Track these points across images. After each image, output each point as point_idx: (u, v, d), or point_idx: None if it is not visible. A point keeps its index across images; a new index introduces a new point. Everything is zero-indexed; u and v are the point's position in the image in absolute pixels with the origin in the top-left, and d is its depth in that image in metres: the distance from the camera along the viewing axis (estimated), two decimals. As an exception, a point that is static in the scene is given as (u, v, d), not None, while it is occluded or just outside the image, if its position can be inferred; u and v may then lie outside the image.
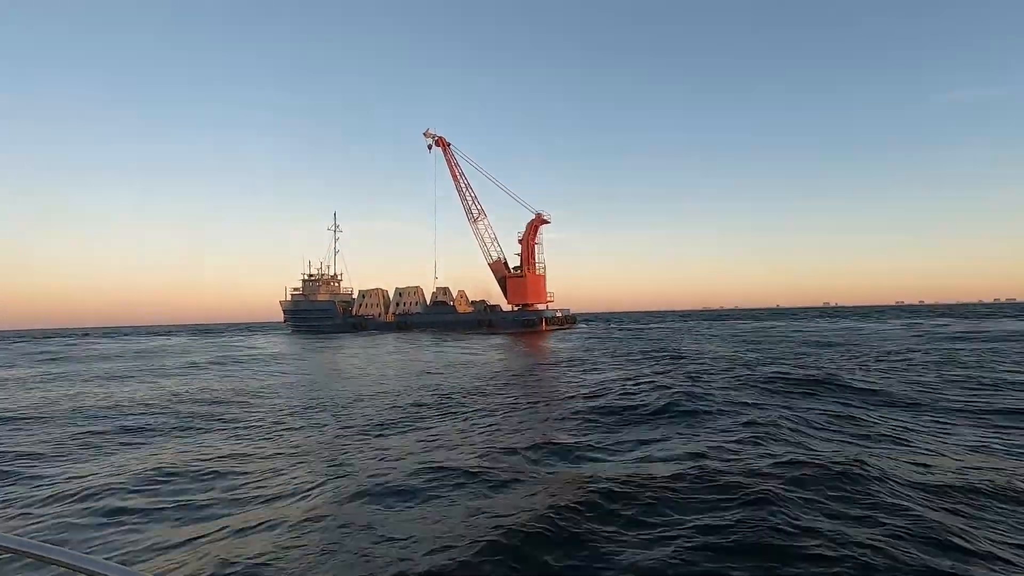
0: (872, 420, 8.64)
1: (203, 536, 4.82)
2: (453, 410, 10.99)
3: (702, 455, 6.61)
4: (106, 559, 0.96)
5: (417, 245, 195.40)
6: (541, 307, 68.64)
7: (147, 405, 12.84)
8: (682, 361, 19.10)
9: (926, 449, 6.90)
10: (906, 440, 7.33)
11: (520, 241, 69.55)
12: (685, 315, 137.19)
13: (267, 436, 9.09)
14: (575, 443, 7.58)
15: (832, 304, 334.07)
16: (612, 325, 71.21)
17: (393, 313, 75.41)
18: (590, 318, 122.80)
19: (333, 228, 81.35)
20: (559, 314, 68.29)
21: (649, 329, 53.16)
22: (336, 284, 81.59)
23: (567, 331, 56.53)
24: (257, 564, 4.15)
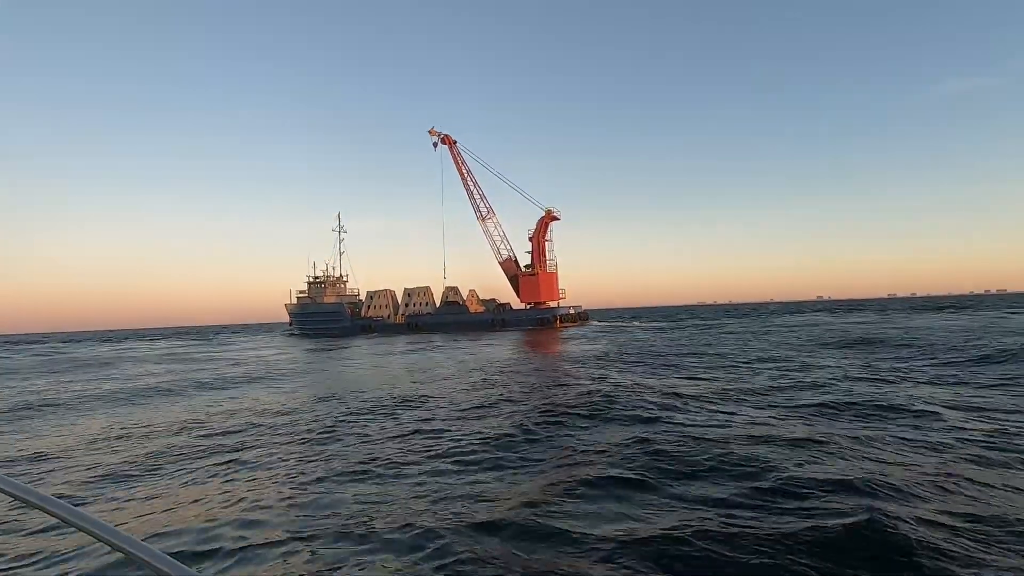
0: None
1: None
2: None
3: None
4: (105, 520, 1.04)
5: (423, 246, 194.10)
6: (553, 304, 68.31)
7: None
8: None
9: None
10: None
11: (531, 239, 69.20)
12: (675, 312, 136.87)
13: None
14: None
15: (825, 298, 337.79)
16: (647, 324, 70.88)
17: (403, 314, 74.65)
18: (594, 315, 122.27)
19: (338, 229, 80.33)
20: (572, 311, 68.00)
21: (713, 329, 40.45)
22: (342, 286, 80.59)
23: (580, 327, 56.26)
24: None
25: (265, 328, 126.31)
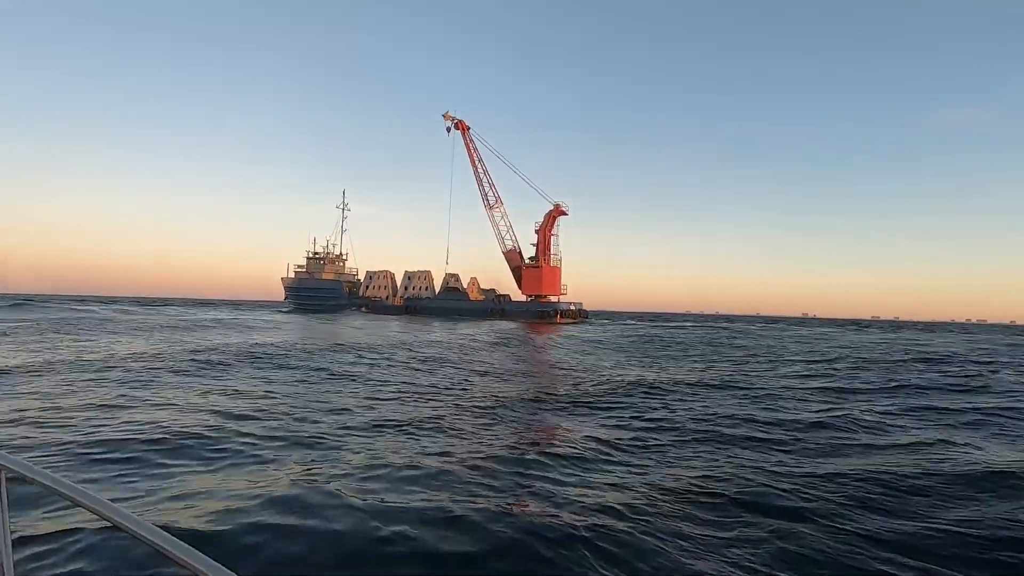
0: None
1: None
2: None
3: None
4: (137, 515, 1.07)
5: (425, 232, 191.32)
6: (554, 299, 68.04)
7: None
8: None
9: None
10: None
11: (537, 231, 68.80)
12: (670, 319, 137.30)
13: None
14: None
15: (810, 315, 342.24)
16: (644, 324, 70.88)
17: (402, 297, 74.03)
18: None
19: (342, 206, 79.29)
20: (572, 307, 67.86)
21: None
22: (341, 264, 79.65)
23: (582, 324, 56.18)
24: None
25: (259, 305, 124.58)
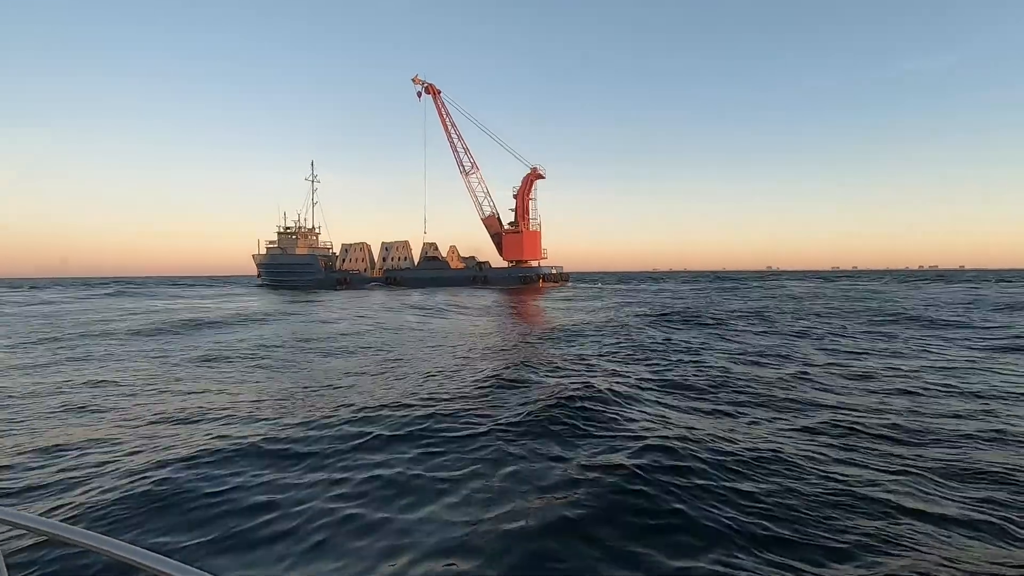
0: None
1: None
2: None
3: None
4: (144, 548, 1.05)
5: (400, 202, 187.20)
6: (535, 264, 68.26)
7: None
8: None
9: None
10: None
11: (515, 196, 68.27)
12: (632, 277, 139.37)
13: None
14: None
15: (774, 268, 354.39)
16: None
17: (380, 269, 72.91)
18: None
19: (311, 178, 76.28)
20: (554, 271, 68.29)
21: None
22: (314, 237, 77.34)
23: (559, 287, 56.80)
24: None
25: (230, 281, 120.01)
